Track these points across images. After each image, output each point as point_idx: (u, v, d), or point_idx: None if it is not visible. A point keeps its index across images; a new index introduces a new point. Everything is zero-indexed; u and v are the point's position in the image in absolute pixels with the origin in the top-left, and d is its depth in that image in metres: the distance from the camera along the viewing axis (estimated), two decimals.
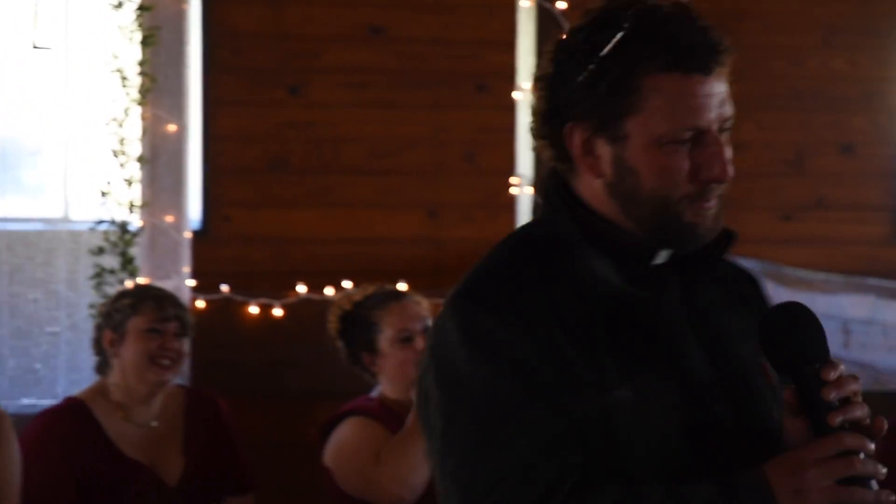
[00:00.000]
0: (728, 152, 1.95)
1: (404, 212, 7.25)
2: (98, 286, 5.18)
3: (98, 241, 5.26)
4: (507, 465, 1.87)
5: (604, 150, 1.95)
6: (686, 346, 1.96)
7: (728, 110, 1.96)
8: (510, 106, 5.71)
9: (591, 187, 1.99)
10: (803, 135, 7.83)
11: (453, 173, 7.29)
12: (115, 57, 5.19)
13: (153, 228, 5.16)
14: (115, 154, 5.19)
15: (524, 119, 5.62)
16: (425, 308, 4.15)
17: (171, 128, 5.19)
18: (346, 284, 5.40)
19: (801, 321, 1.90)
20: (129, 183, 5.17)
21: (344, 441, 3.99)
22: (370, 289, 4.19)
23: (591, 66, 1.93)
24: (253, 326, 5.35)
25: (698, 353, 1.96)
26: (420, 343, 4.02)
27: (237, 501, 3.79)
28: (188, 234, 5.35)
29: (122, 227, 5.19)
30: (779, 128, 7.49)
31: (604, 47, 1.93)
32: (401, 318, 4.07)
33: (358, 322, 4.08)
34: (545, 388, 1.89)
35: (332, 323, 4.14)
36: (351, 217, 7.18)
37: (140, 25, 5.18)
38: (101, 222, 5.23)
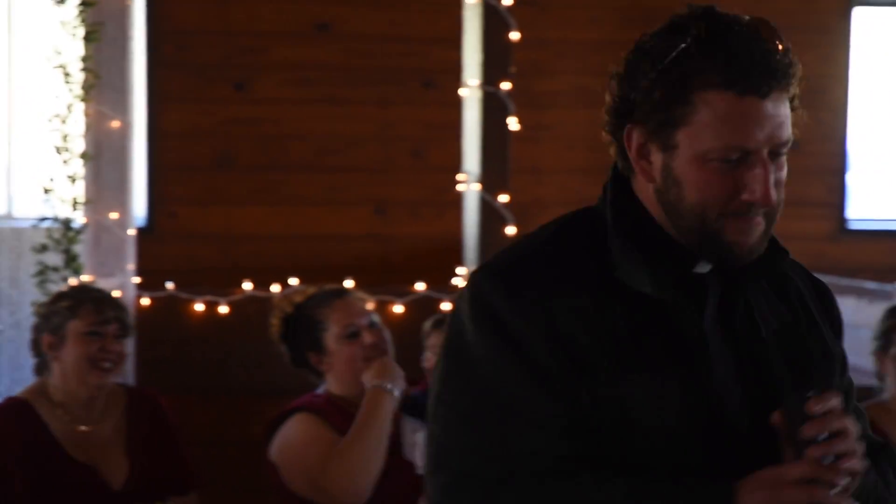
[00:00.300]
0: (776, 176, 1.95)
1: (351, 209, 7.24)
2: (41, 284, 5.13)
3: (41, 239, 5.22)
4: (486, 439, 1.92)
5: (656, 156, 1.97)
6: (705, 352, 1.96)
7: (784, 134, 1.93)
8: (457, 103, 5.71)
9: (644, 189, 2.02)
10: None
11: (400, 170, 7.29)
12: (58, 53, 5.14)
13: (97, 226, 5.11)
14: (59, 151, 5.14)
15: (471, 116, 5.62)
16: (368, 303, 4.14)
17: (115, 124, 5.14)
18: (293, 281, 5.38)
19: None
20: (73, 180, 5.12)
21: (291, 438, 3.97)
22: (310, 289, 4.17)
23: (654, 72, 1.94)
24: (198, 324, 5.32)
25: (723, 360, 1.97)
26: (367, 338, 4.02)
27: (181, 501, 3.76)
28: (132, 232, 5.31)
29: (66, 224, 5.15)
30: None
31: (669, 54, 1.93)
32: (346, 314, 4.05)
33: (302, 323, 4.05)
34: (541, 371, 1.92)
35: (275, 326, 4.12)
36: (298, 214, 7.16)
37: (83, 21, 5.13)
38: (44, 219, 5.19)
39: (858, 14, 7.71)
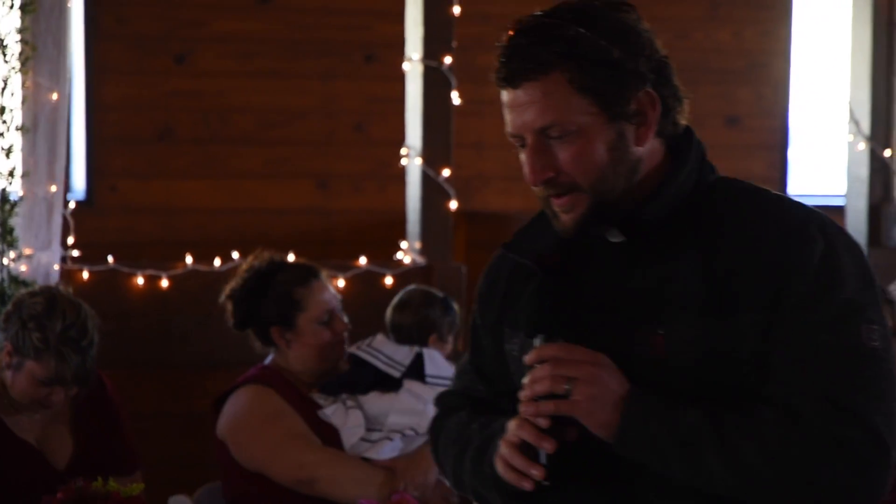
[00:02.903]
0: (564, 155, 2.06)
1: (293, 182, 7.21)
2: None
3: None
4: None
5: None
6: (573, 314, 2.09)
7: (539, 118, 2.05)
8: (399, 77, 5.69)
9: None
10: (689, 107, 7.90)
11: (342, 144, 7.27)
12: None
13: (34, 198, 5.06)
14: None
15: (413, 90, 5.60)
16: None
17: (53, 96, 5.08)
18: (235, 255, 5.35)
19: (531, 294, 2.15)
20: (8, 153, 5.06)
21: (239, 411, 3.94)
22: (277, 258, 4.11)
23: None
24: (139, 298, 5.29)
25: (588, 322, 2.08)
26: (338, 324, 4.02)
27: (125, 480, 3.73)
28: (72, 205, 5.26)
29: (3, 196, 5.09)
30: None
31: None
32: (324, 297, 4.04)
33: (273, 296, 4.00)
34: (476, 328, 2.31)
35: (237, 288, 4.06)
36: (239, 188, 7.13)
37: None
38: None
39: None
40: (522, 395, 2.03)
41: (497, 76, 2.09)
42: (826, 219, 2.07)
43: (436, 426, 2.35)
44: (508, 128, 2.11)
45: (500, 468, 2.06)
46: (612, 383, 2.00)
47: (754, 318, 1.98)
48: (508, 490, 2.08)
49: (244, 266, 4.11)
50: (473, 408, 2.27)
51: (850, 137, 5.99)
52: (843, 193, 6.83)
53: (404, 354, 4.14)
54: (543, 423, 2.00)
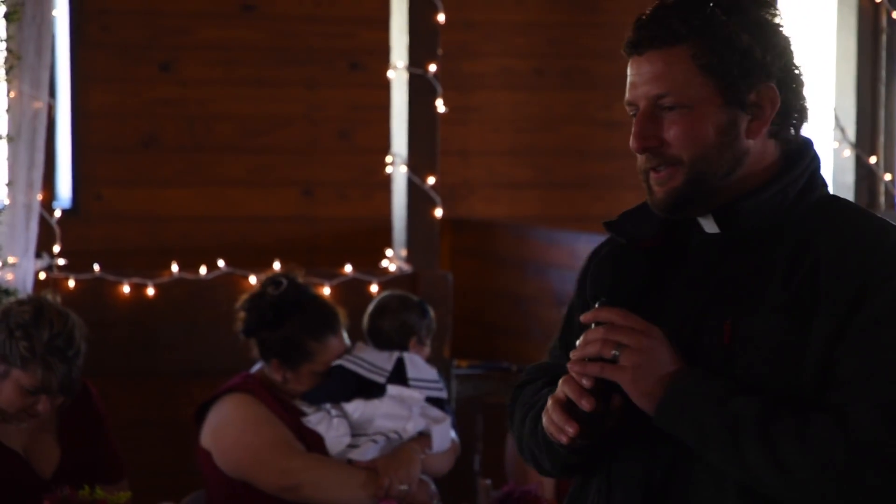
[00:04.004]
0: (674, 130, 2.08)
1: (278, 190, 7.21)
2: None
3: None
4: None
5: None
6: (665, 303, 2.11)
7: (655, 88, 2.08)
8: (384, 84, 5.69)
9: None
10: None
11: (327, 151, 7.27)
12: None
13: (20, 207, 5.05)
14: None
15: (398, 97, 5.61)
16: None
17: (38, 104, 5.08)
18: (220, 263, 5.34)
19: (593, 265, 2.19)
20: None
21: (223, 419, 3.95)
22: (303, 293, 4.07)
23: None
24: (125, 306, 5.28)
25: (677, 311, 2.10)
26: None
27: (111, 489, 3.73)
28: (57, 213, 5.25)
29: None
30: None
31: None
32: (334, 353, 4.06)
33: (286, 340, 4.00)
34: (571, 307, 2.31)
35: (254, 314, 4.03)
36: (224, 195, 7.12)
37: (3, 1, 5.07)
38: None
39: None
40: (573, 353, 2.06)
41: (626, 43, 2.11)
42: None
43: (514, 395, 2.37)
44: (627, 97, 2.13)
45: (543, 421, 2.11)
46: (663, 356, 2.03)
47: (827, 324, 1.98)
48: (549, 448, 2.14)
49: (270, 285, 4.07)
50: (552, 380, 2.24)
51: (836, 144, 6.00)
52: None
53: (386, 359, 4.16)
54: (587, 383, 2.03)
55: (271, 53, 7.13)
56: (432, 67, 5.46)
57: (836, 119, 6.00)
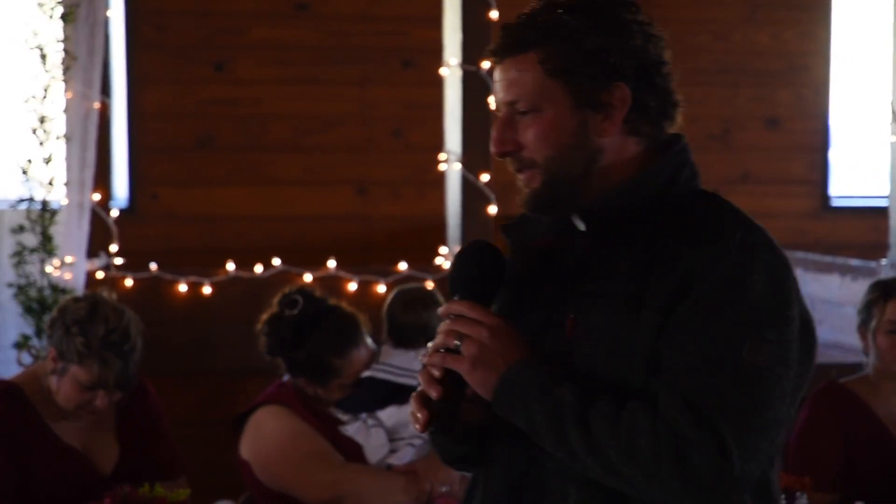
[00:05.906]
0: (530, 132, 2.13)
1: (332, 189, 7.23)
2: (18, 265, 5.11)
3: (21, 220, 5.19)
4: None
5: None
6: (526, 299, 2.18)
7: (508, 93, 2.14)
8: (437, 82, 5.70)
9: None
10: (729, 109, 7.88)
11: (381, 150, 7.28)
12: (35, 34, 5.11)
13: (75, 207, 5.09)
14: (35, 132, 5.12)
15: (452, 95, 5.61)
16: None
17: (95, 105, 5.12)
18: (276, 262, 5.37)
19: (458, 257, 2.20)
20: (48, 161, 5.10)
21: (260, 433, 3.95)
22: (317, 308, 4.05)
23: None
24: (182, 305, 5.31)
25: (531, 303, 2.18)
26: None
27: (170, 485, 3.75)
28: (114, 213, 5.29)
29: (44, 205, 5.13)
30: (704, 102, 7.54)
31: None
32: (359, 366, 4.04)
33: (309, 359, 3.99)
34: None
35: (273, 337, 4.02)
36: (279, 194, 7.15)
37: (60, 2, 5.11)
38: (21, 201, 5.17)
39: None
40: (430, 343, 2.13)
41: (487, 52, 2.20)
42: (757, 237, 2.09)
43: None
44: (493, 103, 2.22)
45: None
46: (502, 347, 2.08)
47: (653, 316, 2.04)
48: (432, 440, 2.26)
49: (286, 306, 4.05)
50: None
51: (893, 138, 5.95)
52: (886, 195, 6.78)
53: (413, 360, 4.14)
54: (436, 373, 2.08)
55: (325, 52, 7.15)
56: (485, 65, 5.46)
57: (893, 112, 5.94)
